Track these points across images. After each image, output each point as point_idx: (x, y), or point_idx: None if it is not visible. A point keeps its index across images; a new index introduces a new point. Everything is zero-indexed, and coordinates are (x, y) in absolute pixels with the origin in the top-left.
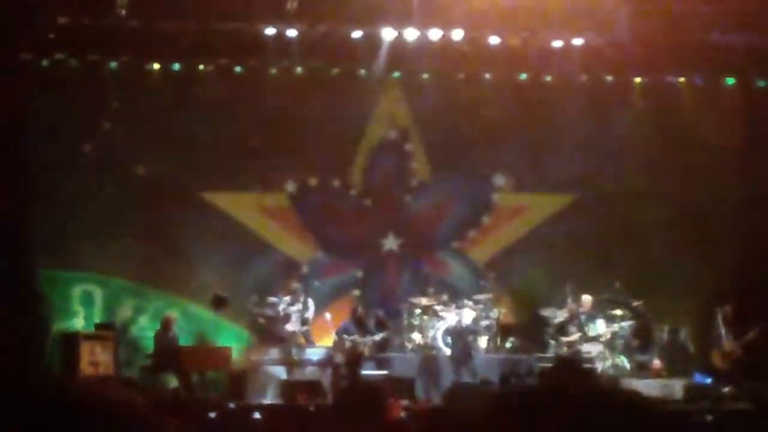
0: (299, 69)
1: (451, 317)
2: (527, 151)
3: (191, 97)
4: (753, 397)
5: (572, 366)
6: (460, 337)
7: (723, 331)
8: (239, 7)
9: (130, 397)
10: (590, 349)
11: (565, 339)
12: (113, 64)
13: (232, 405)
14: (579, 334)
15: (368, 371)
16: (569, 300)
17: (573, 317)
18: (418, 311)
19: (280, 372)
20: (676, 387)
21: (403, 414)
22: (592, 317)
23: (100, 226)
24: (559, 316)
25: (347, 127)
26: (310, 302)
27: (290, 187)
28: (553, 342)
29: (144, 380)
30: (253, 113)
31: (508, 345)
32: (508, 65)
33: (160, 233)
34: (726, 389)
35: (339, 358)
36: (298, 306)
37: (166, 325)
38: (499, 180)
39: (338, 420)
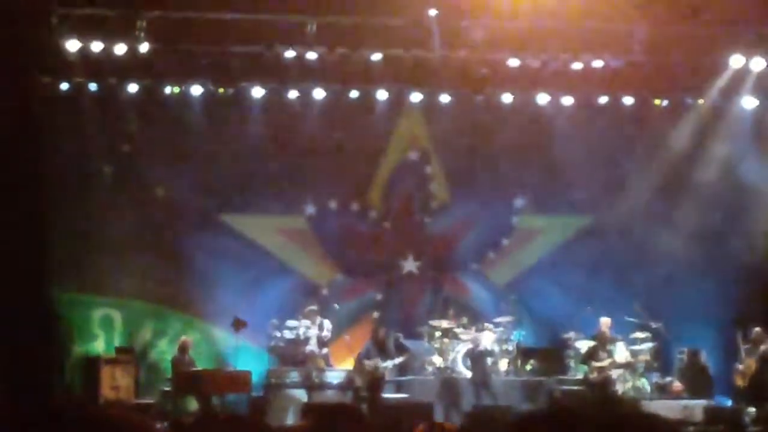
0: (319, 91)
1: (472, 340)
2: (546, 173)
3: (210, 120)
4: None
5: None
6: (480, 359)
7: (743, 351)
8: (259, 30)
9: (148, 422)
10: (612, 373)
11: (596, 364)
12: (132, 87)
13: None
14: (610, 360)
15: (388, 394)
16: (601, 325)
17: (603, 342)
18: (438, 334)
19: (301, 395)
20: (697, 409)
21: None
22: (612, 341)
23: (119, 249)
24: (581, 339)
25: (367, 150)
26: (329, 324)
27: (309, 209)
28: (584, 366)
29: (164, 404)
30: (272, 136)
31: (528, 368)
32: (527, 87)
33: (180, 256)
34: (746, 411)
35: (359, 381)
36: (317, 328)
37: (182, 348)
38: (519, 202)
39: None
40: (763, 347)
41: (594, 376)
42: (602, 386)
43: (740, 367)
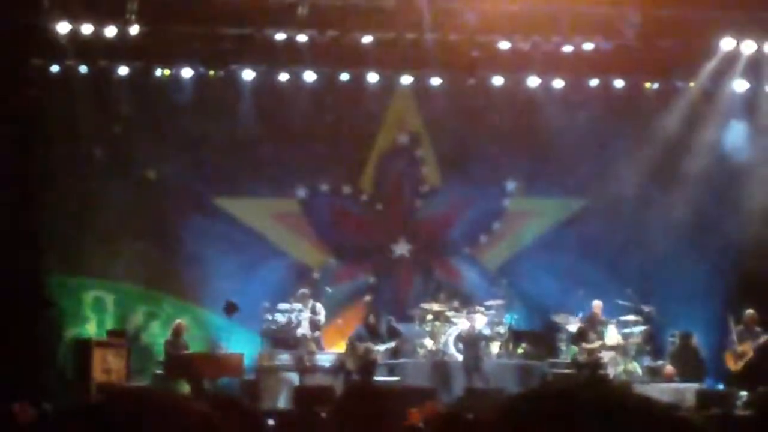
0: (310, 74)
1: (463, 323)
2: (538, 156)
3: (201, 103)
4: (760, 404)
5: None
6: (471, 343)
7: (735, 335)
8: (250, 12)
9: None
10: (603, 355)
11: (586, 345)
12: (123, 70)
13: None
14: (600, 342)
15: (380, 377)
16: (593, 308)
17: (593, 324)
18: (429, 317)
19: (293, 378)
20: (688, 393)
21: (421, 424)
22: (603, 323)
23: (111, 232)
24: (572, 322)
25: (358, 133)
26: (321, 308)
27: (301, 192)
28: (574, 347)
29: (156, 388)
30: (263, 118)
31: (520, 351)
32: (518, 70)
33: (172, 239)
34: (739, 395)
35: (351, 364)
36: (309, 312)
37: (177, 332)
38: (510, 185)
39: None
40: (764, 337)
41: (584, 357)
42: (592, 367)
43: (735, 349)
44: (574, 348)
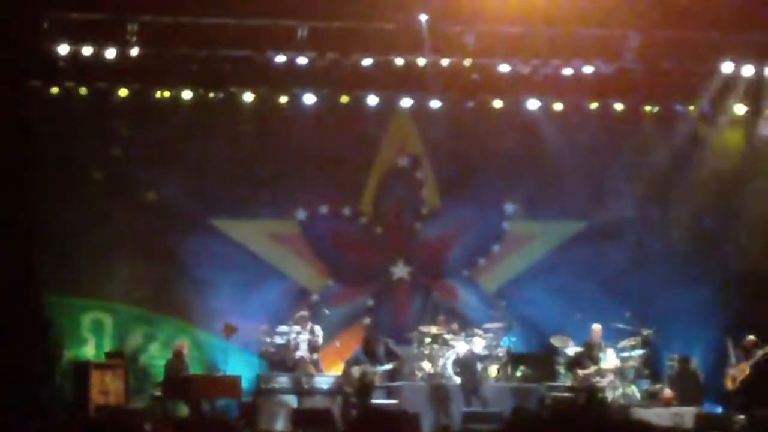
0: (309, 96)
1: (461, 346)
2: (537, 178)
3: (201, 125)
4: (759, 426)
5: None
6: (469, 365)
7: (734, 358)
8: (249, 34)
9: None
10: (599, 380)
11: (581, 372)
12: (123, 92)
13: None
14: (595, 368)
15: (378, 400)
16: (592, 331)
17: (590, 349)
18: (427, 340)
19: (291, 400)
20: (687, 416)
21: None
22: (601, 348)
23: (110, 253)
24: (571, 345)
25: (357, 155)
26: (320, 330)
27: (300, 214)
28: (568, 374)
29: (154, 409)
30: (262, 140)
31: (518, 374)
32: (517, 93)
33: (170, 260)
34: (736, 418)
35: (349, 387)
36: (308, 334)
37: (178, 353)
38: (510, 208)
39: None
40: (760, 352)
41: (578, 383)
42: (588, 393)
43: (732, 371)
44: (570, 374)
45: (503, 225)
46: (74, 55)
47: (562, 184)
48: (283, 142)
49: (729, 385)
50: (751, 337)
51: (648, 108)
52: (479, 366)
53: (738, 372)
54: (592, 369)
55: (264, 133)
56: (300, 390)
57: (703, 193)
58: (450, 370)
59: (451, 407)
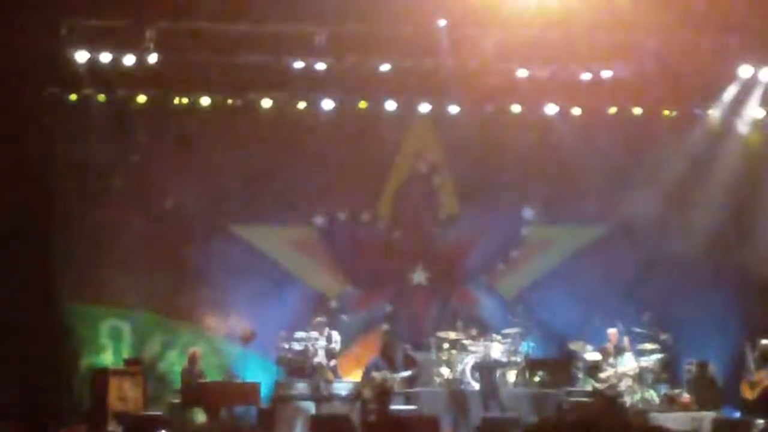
0: (328, 102)
1: (480, 351)
2: (555, 183)
3: (219, 131)
4: None
5: (608, 401)
6: (488, 371)
7: (753, 363)
8: (268, 40)
9: None
10: (618, 383)
11: (599, 376)
12: (141, 99)
13: None
14: (613, 371)
15: (397, 406)
16: (609, 336)
17: (607, 356)
18: (446, 345)
19: (309, 406)
20: (705, 421)
21: None
22: (620, 351)
23: (128, 260)
24: (589, 350)
25: (376, 161)
26: (337, 336)
27: (319, 220)
28: (587, 379)
29: (172, 416)
30: (281, 146)
31: (536, 379)
32: (536, 97)
33: (189, 267)
34: (755, 423)
35: (367, 393)
36: (326, 340)
37: (192, 360)
38: (528, 213)
39: None
40: None
41: (601, 387)
42: (610, 397)
43: (752, 378)
44: (590, 379)
45: (521, 230)
46: (92, 62)
47: (581, 189)
48: (301, 147)
49: (747, 394)
50: (766, 342)
51: (666, 112)
52: (497, 371)
53: (757, 381)
54: (611, 371)
55: (282, 139)
56: (318, 396)
57: (721, 198)
58: (469, 376)
59: (470, 413)
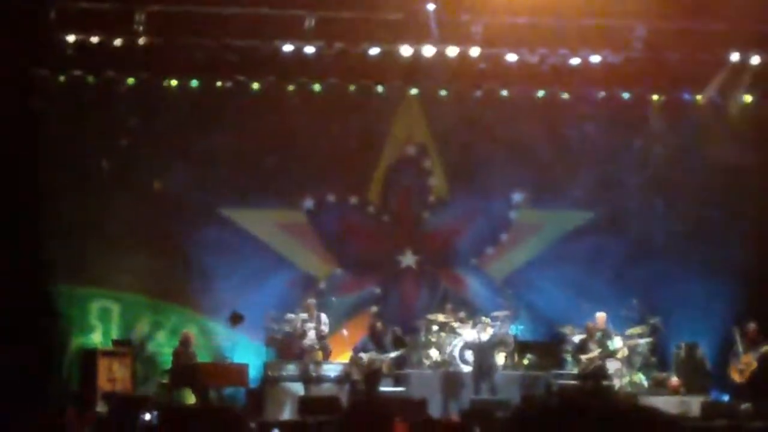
0: (317, 86)
1: (469, 334)
2: (544, 168)
3: (209, 114)
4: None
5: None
6: (477, 353)
7: (741, 347)
8: (257, 24)
9: None
10: (608, 366)
11: (585, 356)
12: (130, 81)
13: (252, 424)
14: (599, 350)
15: (386, 388)
16: (596, 319)
17: (592, 334)
18: (435, 328)
19: (298, 388)
20: (694, 404)
21: None
22: (609, 335)
23: (117, 242)
24: (578, 333)
25: (365, 144)
26: (326, 318)
27: (308, 203)
28: (572, 360)
29: (161, 397)
30: (270, 130)
31: (525, 362)
32: (525, 82)
33: (178, 249)
34: (743, 406)
35: (356, 374)
36: (315, 322)
37: (185, 341)
38: (517, 197)
39: None
40: (766, 347)
41: (584, 367)
42: (594, 376)
43: (738, 364)
44: (575, 360)
45: (510, 214)
46: (82, 44)
47: (570, 174)
48: (290, 131)
49: (736, 377)
50: (753, 325)
51: (655, 97)
52: (487, 354)
53: (745, 365)
54: (597, 351)
55: (271, 122)
56: (307, 378)
57: (709, 183)
58: (458, 358)
59: (460, 395)
